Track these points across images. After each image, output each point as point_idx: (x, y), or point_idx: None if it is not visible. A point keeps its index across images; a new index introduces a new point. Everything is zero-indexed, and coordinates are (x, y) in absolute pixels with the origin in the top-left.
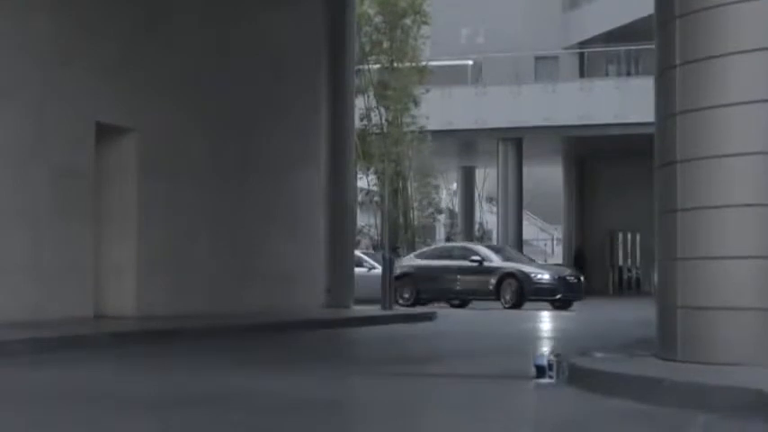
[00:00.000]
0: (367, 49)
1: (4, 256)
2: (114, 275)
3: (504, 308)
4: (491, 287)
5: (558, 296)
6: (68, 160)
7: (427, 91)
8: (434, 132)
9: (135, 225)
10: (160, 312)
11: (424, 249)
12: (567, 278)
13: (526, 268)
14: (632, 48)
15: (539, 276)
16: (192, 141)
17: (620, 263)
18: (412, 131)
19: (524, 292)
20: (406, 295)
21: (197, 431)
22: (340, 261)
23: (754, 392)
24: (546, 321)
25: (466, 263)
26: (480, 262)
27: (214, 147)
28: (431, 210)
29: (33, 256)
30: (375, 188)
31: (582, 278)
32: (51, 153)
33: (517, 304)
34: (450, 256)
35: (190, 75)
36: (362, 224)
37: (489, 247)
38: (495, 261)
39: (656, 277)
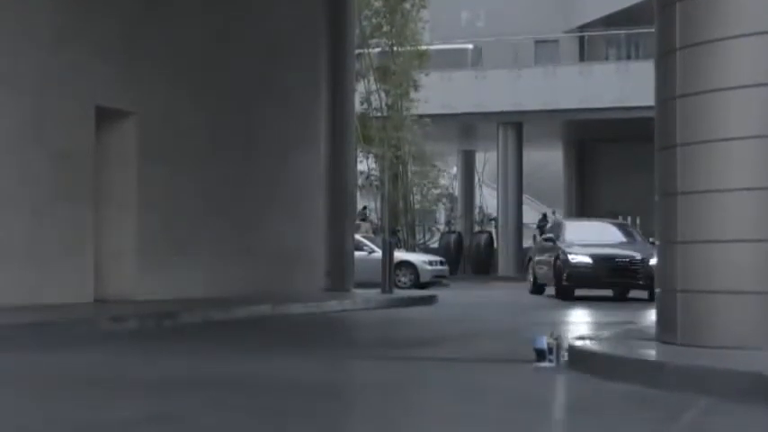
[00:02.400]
0: (367, 32)
1: (3, 240)
2: (114, 259)
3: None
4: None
5: (609, 281)
6: (68, 144)
7: (427, 74)
8: (434, 116)
9: (135, 209)
10: (160, 296)
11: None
12: (619, 261)
13: (573, 248)
14: (632, 31)
15: (577, 259)
16: (192, 125)
17: None
18: (411, 115)
19: (561, 278)
20: (531, 278)
21: (197, 414)
22: (340, 245)
23: (755, 376)
24: (546, 308)
25: (542, 242)
26: (554, 240)
27: (214, 130)
28: (436, 193)
29: (33, 240)
30: (375, 172)
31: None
32: (51, 137)
33: (560, 292)
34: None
35: (190, 58)
36: (368, 207)
37: (616, 224)
38: (567, 239)
39: (656, 261)
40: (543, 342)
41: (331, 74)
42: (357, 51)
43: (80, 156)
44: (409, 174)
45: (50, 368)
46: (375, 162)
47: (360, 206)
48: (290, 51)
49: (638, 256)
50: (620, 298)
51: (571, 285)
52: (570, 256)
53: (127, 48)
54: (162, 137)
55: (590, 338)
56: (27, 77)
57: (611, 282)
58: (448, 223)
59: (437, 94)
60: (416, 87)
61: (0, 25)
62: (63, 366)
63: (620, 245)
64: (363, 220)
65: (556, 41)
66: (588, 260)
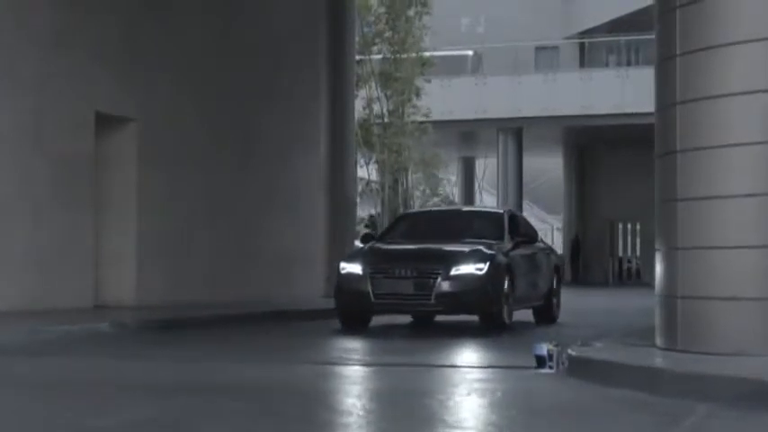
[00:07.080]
0: (369, 38)
1: (4, 246)
2: (114, 264)
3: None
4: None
5: (382, 304)
6: (68, 149)
7: (429, 81)
8: (434, 122)
9: (135, 214)
10: (159, 301)
11: None
12: (407, 271)
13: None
14: (633, 38)
15: (346, 269)
16: (191, 129)
17: (620, 253)
18: (413, 122)
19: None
20: None
21: (192, 418)
22: (340, 250)
23: (755, 382)
24: None
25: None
26: (370, 238)
27: (214, 135)
28: (435, 199)
29: (33, 245)
30: (376, 178)
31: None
32: (51, 142)
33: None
34: None
35: (190, 62)
36: (370, 213)
37: (477, 213)
38: (379, 240)
39: (656, 267)
40: (543, 349)
41: (331, 75)
42: (358, 57)
43: (80, 161)
44: (410, 179)
45: (50, 373)
46: (376, 168)
47: (365, 214)
48: (290, 54)
49: (442, 264)
50: (421, 323)
51: (344, 309)
52: (342, 265)
53: (126, 51)
54: (161, 140)
55: (590, 345)
56: (27, 83)
57: (385, 305)
58: None
59: (437, 100)
60: (418, 94)
61: (0, 28)
62: (63, 371)
63: (431, 248)
64: (369, 227)
65: (556, 48)
66: (358, 270)
